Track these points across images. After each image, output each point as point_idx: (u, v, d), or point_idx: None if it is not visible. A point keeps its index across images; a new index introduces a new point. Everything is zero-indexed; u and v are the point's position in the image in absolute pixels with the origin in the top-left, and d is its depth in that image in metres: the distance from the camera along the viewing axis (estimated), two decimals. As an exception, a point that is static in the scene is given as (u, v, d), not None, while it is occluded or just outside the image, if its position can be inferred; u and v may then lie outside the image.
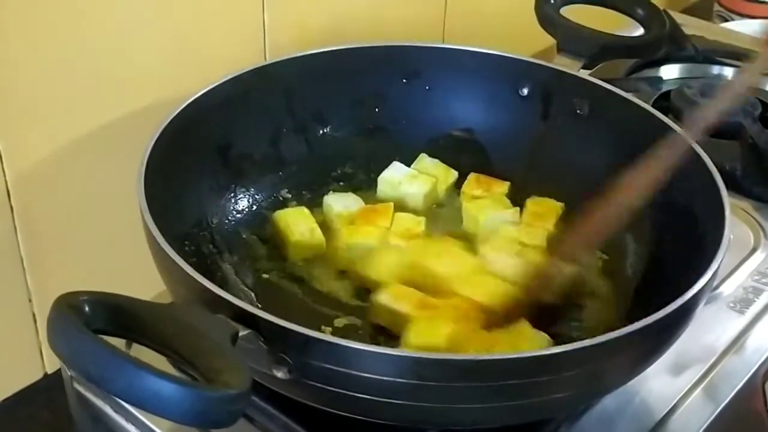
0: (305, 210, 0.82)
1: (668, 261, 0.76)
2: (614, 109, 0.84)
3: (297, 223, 0.81)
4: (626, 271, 0.80)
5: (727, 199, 0.71)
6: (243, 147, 0.83)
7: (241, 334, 0.55)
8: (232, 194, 0.83)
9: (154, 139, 0.72)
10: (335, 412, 0.62)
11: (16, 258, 0.79)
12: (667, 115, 0.82)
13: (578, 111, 0.86)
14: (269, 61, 0.85)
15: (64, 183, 0.80)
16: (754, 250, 0.89)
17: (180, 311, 0.55)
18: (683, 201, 0.76)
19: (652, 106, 0.84)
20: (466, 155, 0.90)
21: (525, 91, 0.89)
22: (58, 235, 0.81)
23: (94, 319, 0.52)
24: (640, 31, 1.02)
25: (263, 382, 0.61)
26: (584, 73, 0.91)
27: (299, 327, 0.57)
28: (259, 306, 0.75)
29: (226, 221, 0.82)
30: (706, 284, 0.64)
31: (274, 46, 0.92)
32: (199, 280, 0.59)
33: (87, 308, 0.52)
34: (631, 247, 0.81)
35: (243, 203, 0.84)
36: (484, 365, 0.57)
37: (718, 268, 0.66)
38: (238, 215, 0.83)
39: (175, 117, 0.75)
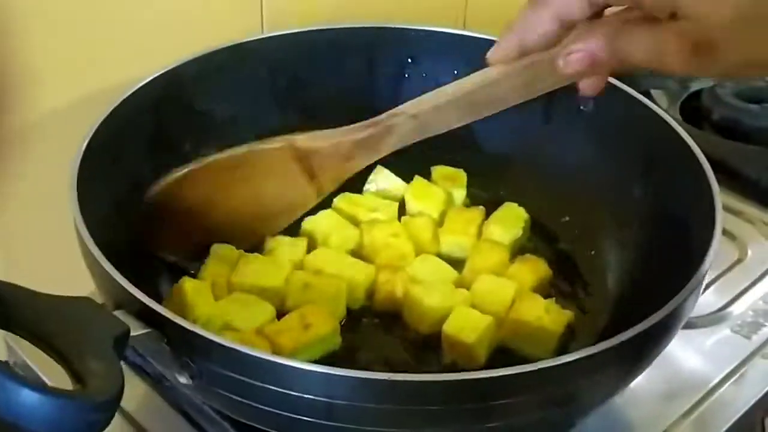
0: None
1: (654, 273, 0.69)
2: (619, 107, 0.77)
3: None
4: (607, 284, 0.74)
5: (720, 202, 0.64)
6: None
7: (133, 334, 0.51)
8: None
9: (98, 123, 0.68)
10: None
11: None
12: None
13: (582, 107, 0.80)
14: (246, 39, 0.80)
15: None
16: (772, 269, 0.81)
17: (70, 305, 0.50)
18: (677, 206, 0.70)
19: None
20: (462, 152, 0.84)
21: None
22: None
23: (-32, 306, 0.47)
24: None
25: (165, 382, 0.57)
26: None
27: (201, 329, 0.52)
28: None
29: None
30: (687, 297, 0.57)
31: (272, 21, 0.86)
32: (107, 268, 0.55)
33: (-38, 295, 0.48)
34: (615, 257, 0.75)
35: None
36: (398, 386, 0.51)
37: (703, 279, 0.59)
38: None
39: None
